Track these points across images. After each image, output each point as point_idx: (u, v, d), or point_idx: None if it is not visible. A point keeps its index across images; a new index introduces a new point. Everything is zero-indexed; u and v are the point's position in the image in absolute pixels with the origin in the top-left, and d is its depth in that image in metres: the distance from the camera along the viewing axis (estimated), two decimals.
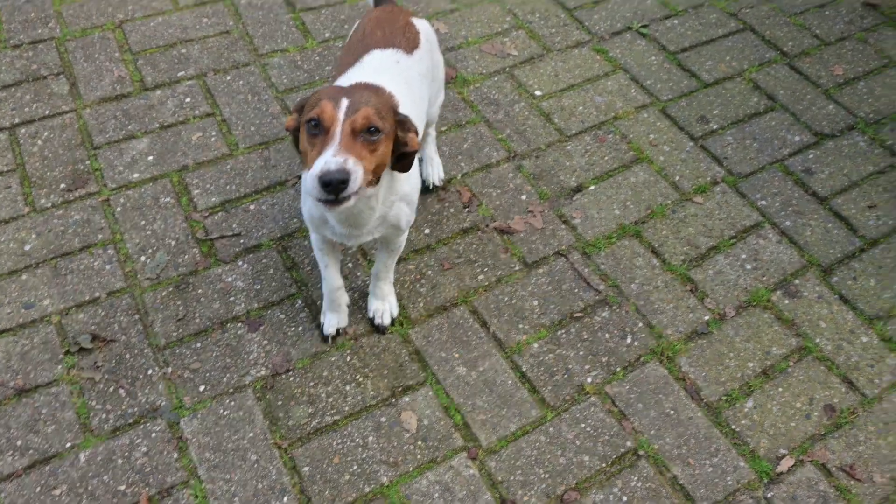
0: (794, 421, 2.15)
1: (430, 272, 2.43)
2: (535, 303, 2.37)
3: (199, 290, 2.33)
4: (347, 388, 2.16)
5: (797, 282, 2.46)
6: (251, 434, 2.06)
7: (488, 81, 3.03)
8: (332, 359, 2.22)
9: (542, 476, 2.03)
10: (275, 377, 2.17)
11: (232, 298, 2.32)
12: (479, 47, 3.16)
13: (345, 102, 1.58)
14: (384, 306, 2.28)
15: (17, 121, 2.72)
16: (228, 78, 2.94)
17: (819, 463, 2.08)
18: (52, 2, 3.16)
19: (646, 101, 2.99)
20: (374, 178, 1.66)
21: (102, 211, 2.49)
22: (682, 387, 2.21)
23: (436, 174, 2.63)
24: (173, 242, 2.43)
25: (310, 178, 1.52)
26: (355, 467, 2.02)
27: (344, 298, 2.24)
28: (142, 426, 2.05)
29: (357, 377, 2.18)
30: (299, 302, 2.33)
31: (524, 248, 2.51)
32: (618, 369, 2.24)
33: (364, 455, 2.04)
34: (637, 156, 2.80)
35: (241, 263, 2.40)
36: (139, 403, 2.09)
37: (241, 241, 2.46)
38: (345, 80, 1.98)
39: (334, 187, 1.49)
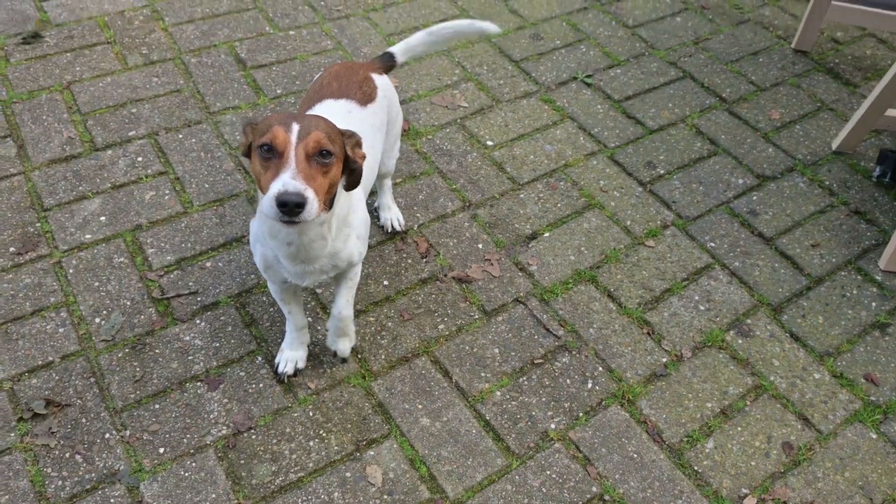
0: (754, 460, 2.20)
1: (390, 323, 2.43)
2: (496, 350, 2.39)
3: (157, 350, 2.29)
4: (311, 443, 2.14)
5: (749, 321, 2.53)
6: (213, 495, 2.01)
7: (440, 133, 3.08)
8: (295, 414, 2.19)
9: None
10: (236, 436, 2.13)
11: (190, 357, 2.29)
12: (429, 100, 3.22)
13: (296, 127, 1.62)
14: (345, 343, 2.27)
15: None
16: (181, 136, 2.94)
17: (780, 501, 2.12)
18: None
19: (594, 148, 3.08)
20: (328, 200, 1.70)
21: (54, 273, 2.45)
22: (644, 429, 2.24)
23: (395, 219, 2.66)
24: (128, 303, 2.40)
25: (267, 200, 1.56)
26: None
27: (307, 338, 2.26)
28: (100, 492, 1.99)
29: (320, 432, 2.16)
30: (259, 358, 2.31)
31: (483, 297, 2.53)
32: (580, 414, 2.26)
33: None
34: (589, 202, 2.87)
35: (198, 321, 2.37)
36: (97, 468, 2.03)
37: (199, 298, 2.43)
38: None
39: (290, 209, 1.53)
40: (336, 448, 2.13)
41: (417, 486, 2.08)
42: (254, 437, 2.14)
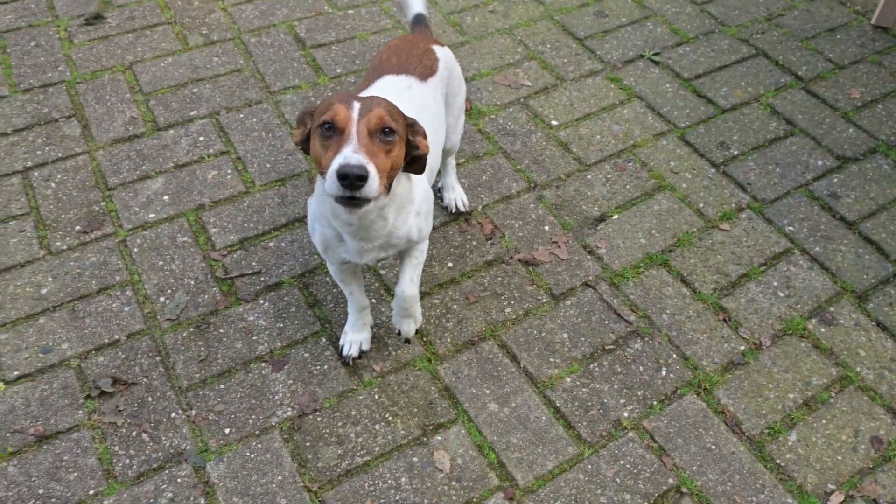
0: (840, 454, 2.08)
1: (455, 306, 2.37)
2: (565, 335, 2.31)
3: (221, 330, 2.27)
4: (377, 427, 2.09)
5: (832, 309, 2.40)
6: (279, 477, 1.98)
7: (503, 112, 3.00)
8: (360, 397, 2.15)
9: None
10: (301, 418, 2.10)
11: (254, 338, 2.26)
12: (491, 79, 3.14)
13: (357, 105, 1.58)
14: (409, 323, 2.19)
15: (29, 164, 2.68)
16: (241, 116, 2.91)
17: (870, 498, 2.00)
18: (60, 45, 3.14)
19: (664, 128, 2.97)
20: (388, 182, 1.65)
21: (119, 252, 2.44)
22: (722, 420, 2.14)
23: (459, 200, 2.60)
24: (192, 282, 2.38)
25: (329, 177, 1.51)
26: None
27: (369, 319, 2.21)
28: (167, 471, 1.97)
29: (386, 416, 2.11)
30: (323, 340, 2.26)
31: (550, 280, 2.45)
32: (654, 403, 2.17)
33: (397, 497, 1.96)
34: (659, 183, 2.76)
35: (262, 302, 2.34)
36: (163, 448, 2.02)
37: (262, 278, 2.40)
38: None
39: (351, 182, 1.48)
40: (402, 432, 2.08)
41: (486, 473, 2.02)
42: (319, 419, 2.10)
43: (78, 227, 2.50)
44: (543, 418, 2.13)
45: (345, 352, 2.21)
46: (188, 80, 3.03)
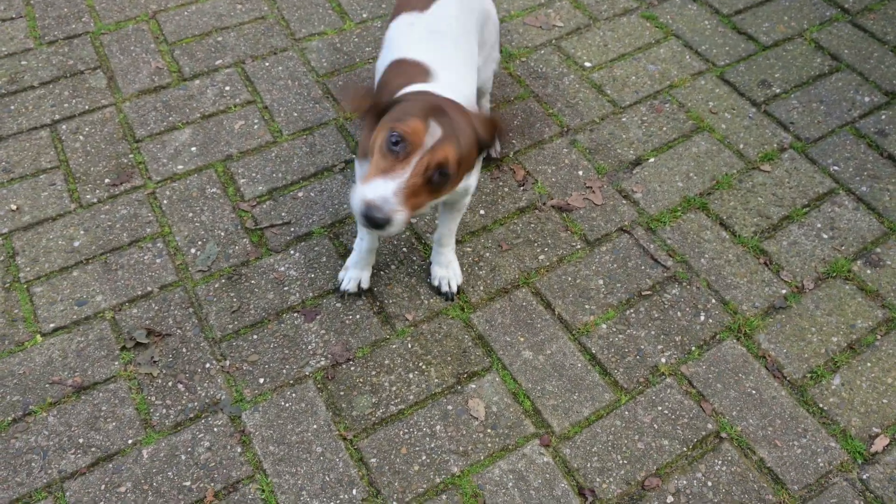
0: (885, 397, 2.03)
1: (488, 254, 2.33)
2: (601, 282, 2.27)
3: (252, 281, 2.26)
4: (411, 376, 2.08)
5: (878, 250, 2.32)
6: (315, 426, 1.98)
7: (535, 55, 2.91)
8: (393, 346, 2.13)
9: (621, 462, 1.93)
10: (335, 367, 2.09)
11: (286, 288, 2.24)
12: (522, 20, 3.04)
13: (436, 131, 1.50)
14: (448, 273, 2.21)
15: (57, 117, 2.67)
16: (267, 64, 2.86)
17: None
18: None
19: (702, 67, 2.86)
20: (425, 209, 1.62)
21: (149, 204, 2.43)
22: (763, 365, 2.09)
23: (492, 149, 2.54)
24: (222, 233, 2.36)
25: (356, 198, 1.48)
26: (424, 457, 1.94)
27: (373, 259, 2.20)
28: (203, 421, 1.99)
29: (420, 365, 2.10)
30: None
31: (585, 226, 2.40)
32: (693, 348, 2.13)
33: (432, 445, 1.96)
34: (697, 125, 2.67)
35: (292, 252, 2.32)
36: (199, 398, 2.03)
37: (292, 229, 2.38)
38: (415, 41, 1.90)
39: (371, 223, 1.47)
40: (436, 381, 2.07)
41: (522, 420, 2.00)
42: (352, 368, 2.09)
43: (107, 180, 2.49)
44: (579, 365, 2.10)
45: (343, 286, 2.20)
46: (212, 29, 2.98)
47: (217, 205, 2.43)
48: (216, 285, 2.25)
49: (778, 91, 2.77)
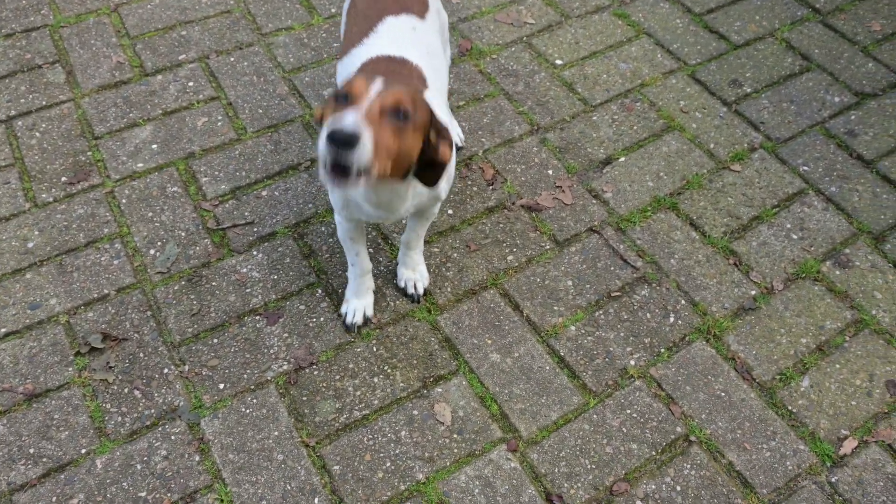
0: (854, 399, 2.02)
1: (455, 255, 2.29)
2: (570, 283, 2.23)
3: (213, 283, 2.20)
4: (375, 380, 2.03)
5: (847, 251, 2.31)
6: (276, 433, 1.93)
7: (505, 52, 2.87)
8: (358, 350, 2.08)
9: (589, 467, 1.90)
10: (298, 372, 2.04)
11: (248, 290, 2.19)
12: (493, 17, 3.00)
13: (379, 81, 1.46)
14: (415, 275, 2.17)
15: (13, 113, 2.58)
16: (232, 59, 2.79)
17: (885, 443, 1.94)
18: None
19: (673, 66, 2.83)
20: (400, 172, 1.52)
21: (107, 203, 2.36)
22: (732, 367, 2.07)
23: (455, 135, 2.48)
24: (183, 233, 2.30)
25: (320, 139, 1.38)
26: (388, 464, 1.89)
27: (371, 283, 2.13)
28: (160, 428, 1.93)
29: (385, 368, 2.05)
30: (319, 291, 2.19)
31: (554, 226, 2.36)
32: (662, 350, 2.10)
33: (397, 451, 1.91)
34: (668, 124, 2.64)
35: (255, 253, 2.27)
36: (156, 404, 1.96)
37: (255, 229, 2.32)
38: (362, 53, 1.84)
39: (340, 145, 1.33)
40: (402, 385, 2.02)
41: (489, 424, 1.96)
42: (316, 373, 2.04)
43: (64, 179, 2.41)
44: (547, 368, 2.06)
45: (348, 320, 2.11)
46: (176, 23, 2.91)
47: (178, 204, 2.37)
48: (176, 287, 2.18)
49: (749, 90, 2.75)
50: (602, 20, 3.00)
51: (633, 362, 2.08)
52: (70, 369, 2.01)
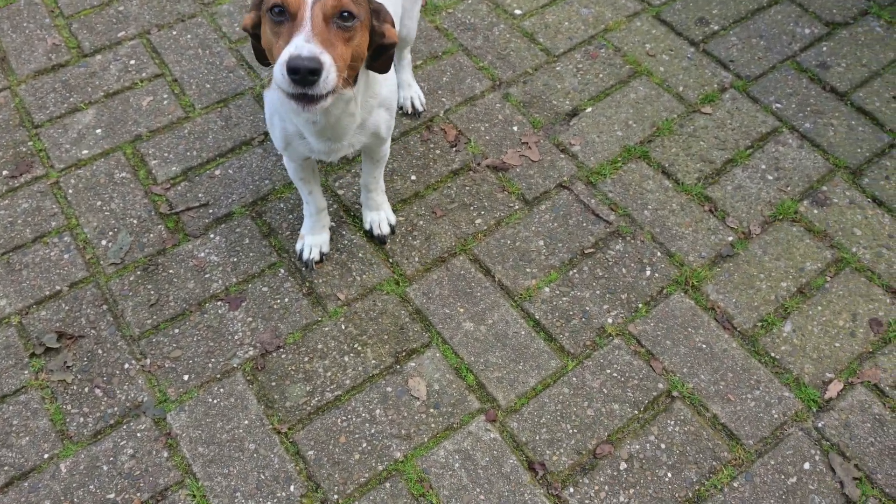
0: (838, 341, 1.96)
1: (421, 222, 2.20)
2: (541, 243, 2.16)
3: (171, 271, 2.10)
4: (346, 359, 1.96)
5: (825, 188, 2.24)
6: (246, 421, 1.86)
7: (462, 5, 2.75)
8: (326, 329, 2.01)
9: (571, 432, 1.84)
10: (265, 356, 1.96)
11: (207, 275, 2.09)
12: None
13: None
14: (380, 216, 2.13)
15: None
16: (174, 33, 2.66)
17: (870, 383, 1.89)
18: None
19: (637, 7, 2.72)
20: (352, 76, 1.48)
21: (53, 195, 2.25)
22: (713, 317, 2.01)
23: (416, 97, 2.40)
24: (135, 221, 2.19)
25: (277, 69, 1.33)
26: (364, 445, 1.83)
27: (327, 221, 2.10)
28: (125, 426, 1.85)
29: (355, 346, 1.98)
30: (282, 271, 2.10)
31: (522, 185, 2.27)
32: (640, 305, 2.04)
33: (373, 430, 1.85)
34: (634, 69, 2.54)
35: (212, 236, 2.17)
36: (119, 402, 1.88)
37: (210, 210, 2.22)
38: None
39: (303, 76, 1.31)
40: (374, 362, 1.95)
41: (465, 396, 1.90)
42: (283, 356, 1.96)
43: (5, 172, 2.29)
44: (523, 333, 2.00)
45: (304, 256, 2.08)
46: None
47: (127, 190, 2.26)
48: (131, 278, 2.09)
49: (716, 28, 2.65)
50: None
51: (610, 320, 2.01)
52: (26, 372, 1.92)
